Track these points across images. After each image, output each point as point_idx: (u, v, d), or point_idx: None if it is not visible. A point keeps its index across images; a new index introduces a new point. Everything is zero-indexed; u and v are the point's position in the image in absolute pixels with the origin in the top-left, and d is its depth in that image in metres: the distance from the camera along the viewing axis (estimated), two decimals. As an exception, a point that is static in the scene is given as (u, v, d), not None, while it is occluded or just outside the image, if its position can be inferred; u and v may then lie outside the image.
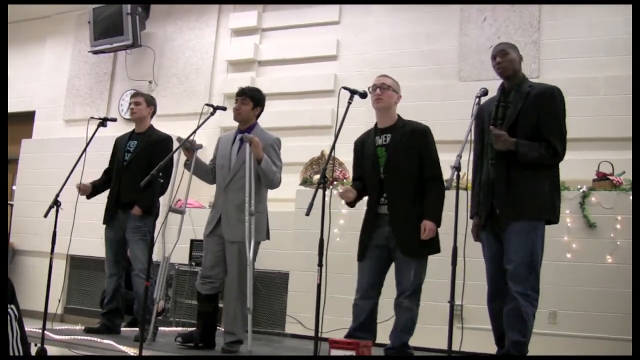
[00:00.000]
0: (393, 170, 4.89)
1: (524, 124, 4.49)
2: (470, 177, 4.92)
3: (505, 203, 4.50)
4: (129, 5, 9.43)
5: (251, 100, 5.52)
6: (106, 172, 6.41)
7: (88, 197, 6.29)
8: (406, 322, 4.80)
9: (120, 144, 6.35)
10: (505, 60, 4.63)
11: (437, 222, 4.83)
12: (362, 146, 5.14)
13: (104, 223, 6.21)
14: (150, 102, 6.36)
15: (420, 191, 4.87)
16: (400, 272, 4.85)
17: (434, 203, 4.85)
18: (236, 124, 5.63)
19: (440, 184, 4.91)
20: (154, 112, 6.40)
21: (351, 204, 5.09)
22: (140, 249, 5.96)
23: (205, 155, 6.09)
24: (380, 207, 4.93)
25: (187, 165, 5.48)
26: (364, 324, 4.89)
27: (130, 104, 6.35)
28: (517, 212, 4.45)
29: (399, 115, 5.06)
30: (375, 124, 5.12)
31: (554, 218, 4.57)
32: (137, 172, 5.90)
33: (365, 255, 4.96)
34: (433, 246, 4.86)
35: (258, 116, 5.62)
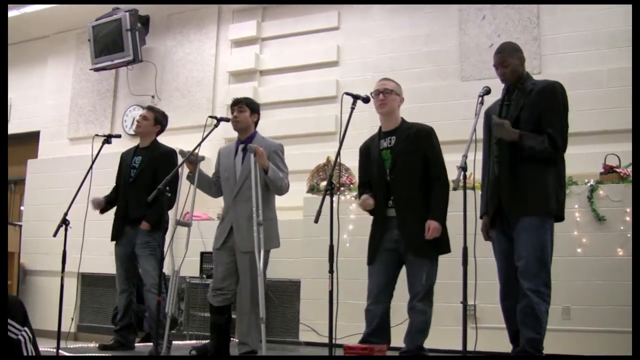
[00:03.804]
0: (399, 172, 4.88)
1: (526, 120, 4.48)
2: (477, 176, 4.91)
3: (511, 199, 4.49)
4: (128, 21, 9.45)
5: (247, 107, 5.53)
6: (116, 189, 6.41)
7: (101, 212, 6.30)
8: (420, 324, 4.77)
9: (125, 160, 6.36)
10: (507, 72, 4.64)
11: (441, 222, 4.79)
12: (367, 151, 5.14)
13: (112, 240, 6.21)
14: (159, 121, 6.34)
15: (427, 192, 4.85)
16: (412, 275, 4.82)
17: (437, 203, 4.83)
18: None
19: (444, 184, 4.90)
20: (161, 130, 6.40)
21: (372, 210, 5.03)
22: (150, 264, 5.96)
23: (210, 167, 6.10)
24: (388, 210, 4.91)
25: (190, 178, 5.47)
26: (378, 328, 4.87)
27: (140, 115, 6.36)
28: (524, 208, 4.44)
29: (402, 118, 5.06)
30: (379, 128, 5.11)
31: (561, 214, 4.56)
32: (143, 188, 5.92)
33: (375, 259, 4.94)
34: (443, 246, 4.83)
35: (256, 124, 5.63)
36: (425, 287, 4.76)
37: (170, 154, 6.24)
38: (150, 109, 6.44)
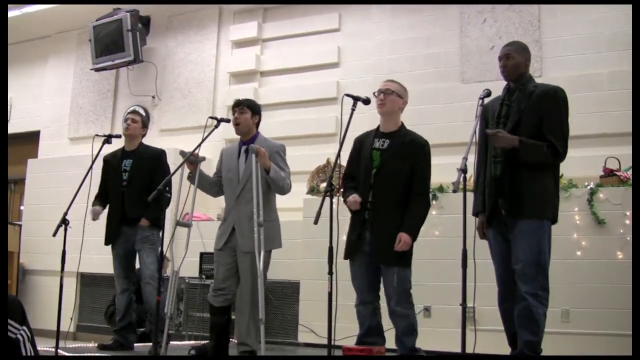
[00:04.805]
0: (383, 177, 4.85)
1: (527, 123, 4.47)
2: (476, 178, 4.91)
3: (510, 202, 4.48)
4: (129, 22, 9.45)
5: (248, 108, 5.53)
6: (99, 196, 6.37)
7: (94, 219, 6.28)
8: (406, 328, 4.76)
9: (112, 165, 6.33)
10: (509, 65, 4.63)
11: (414, 237, 4.78)
12: (361, 145, 5.11)
13: (107, 243, 6.20)
14: (145, 124, 6.48)
15: (405, 203, 4.82)
16: (385, 279, 4.83)
17: (415, 218, 4.81)
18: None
19: (425, 201, 4.90)
20: (144, 134, 6.47)
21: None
22: (150, 257, 6.02)
23: (211, 167, 6.10)
24: (366, 212, 4.89)
25: (190, 178, 5.46)
26: (371, 328, 4.88)
27: (127, 119, 6.36)
28: (522, 211, 4.42)
29: (402, 123, 5.04)
30: (378, 126, 5.10)
31: (555, 217, 4.55)
32: (139, 189, 6.03)
33: (353, 259, 4.93)
34: (404, 260, 4.79)
35: (258, 125, 5.63)
36: (398, 290, 4.74)
37: (163, 154, 6.35)
38: (136, 112, 6.51)
